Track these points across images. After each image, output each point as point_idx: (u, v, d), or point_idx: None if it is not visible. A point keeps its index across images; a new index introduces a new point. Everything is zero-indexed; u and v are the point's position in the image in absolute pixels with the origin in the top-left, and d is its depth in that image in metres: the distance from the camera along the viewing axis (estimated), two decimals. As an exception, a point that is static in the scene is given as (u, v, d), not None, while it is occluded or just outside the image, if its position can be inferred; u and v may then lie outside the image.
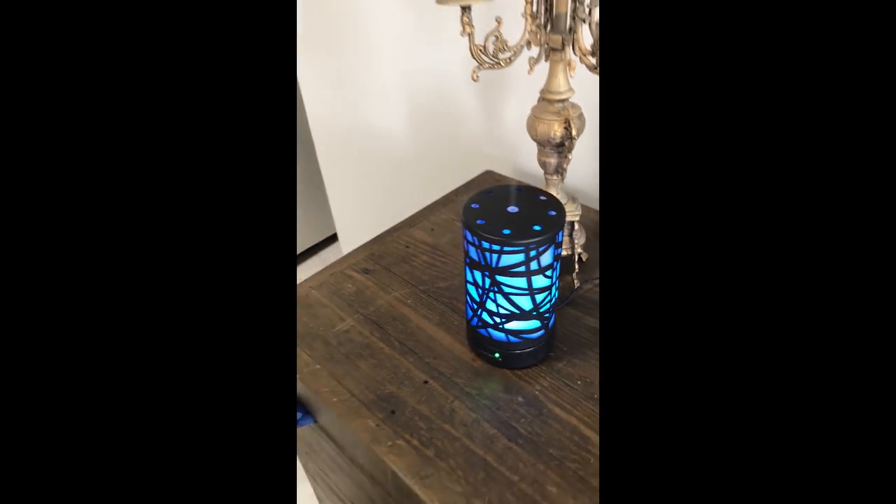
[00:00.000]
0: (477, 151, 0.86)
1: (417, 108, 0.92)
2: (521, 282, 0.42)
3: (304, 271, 1.74)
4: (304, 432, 0.58)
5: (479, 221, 0.41)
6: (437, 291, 0.57)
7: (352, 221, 1.37)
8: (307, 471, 0.68)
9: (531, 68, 0.47)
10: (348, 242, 1.43)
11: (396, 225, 0.69)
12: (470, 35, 0.44)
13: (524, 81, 0.73)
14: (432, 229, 0.67)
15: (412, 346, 0.51)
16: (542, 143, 0.50)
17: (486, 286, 0.43)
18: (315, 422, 0.52)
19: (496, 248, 0.40)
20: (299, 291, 0.58)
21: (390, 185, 1.12)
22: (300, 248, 1.74)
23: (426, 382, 0.47)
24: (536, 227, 0.40)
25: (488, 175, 0.79)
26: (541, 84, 0.49)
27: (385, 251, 0.64)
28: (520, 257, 0.40)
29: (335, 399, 0.46)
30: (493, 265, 0.41)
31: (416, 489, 0.39)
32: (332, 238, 1.83)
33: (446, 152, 0.93)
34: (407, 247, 0.64)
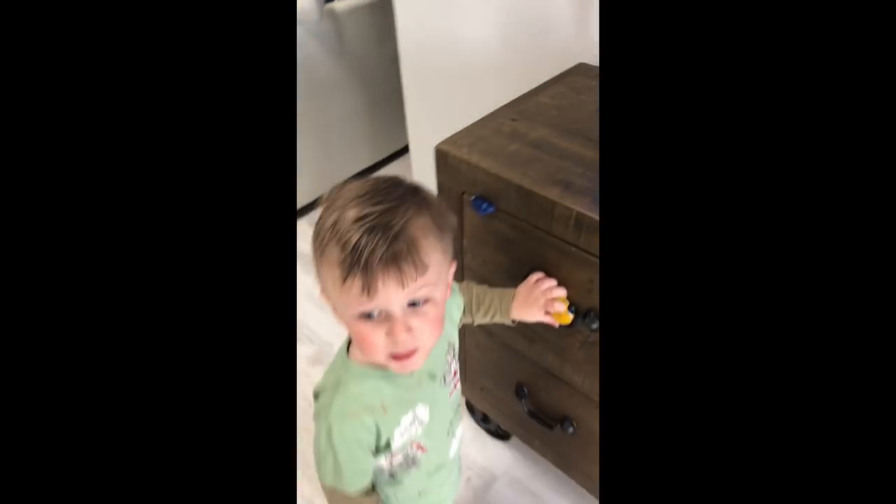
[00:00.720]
0: (565, 56, 1.06)
1: (508, 17, 1.11)
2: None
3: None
4: (477, 228, 0.80)
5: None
6: (573, 129, 0.79)
7: (427, 132, 1.56)
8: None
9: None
10: (420, 153, 1.63)
11: (521, 96, 0.90)
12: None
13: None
14: (552, 97, 0.89)
15: (567, 156, 0.73)
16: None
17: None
18: (496, 210, 0.74)
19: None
20: (473, 131, 0.80)
21: (473, 95, 1.31)
22: (368, 163, 1.95)
23: (583, 172, 0.70)
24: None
25: (583, 66, 1.00)
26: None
27: (522, 109, 0.85)
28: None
29: (526, 180, 0.69)
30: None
31: (597, 217, 0.62)
32: (394, 155, 2.03)
33: (534, 60, 1.12)
34: (538, 106, 0.86)
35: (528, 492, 1.14)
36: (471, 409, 1.24)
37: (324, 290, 0.53)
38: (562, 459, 0.98)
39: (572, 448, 0.92)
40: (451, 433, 0.69)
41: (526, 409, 0.93)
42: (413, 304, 0.51)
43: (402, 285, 0.48)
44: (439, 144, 0.78)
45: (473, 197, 0.75)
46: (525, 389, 0.93)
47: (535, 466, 1.17)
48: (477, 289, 0.75)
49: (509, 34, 1.13)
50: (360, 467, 0.60)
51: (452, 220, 0.56)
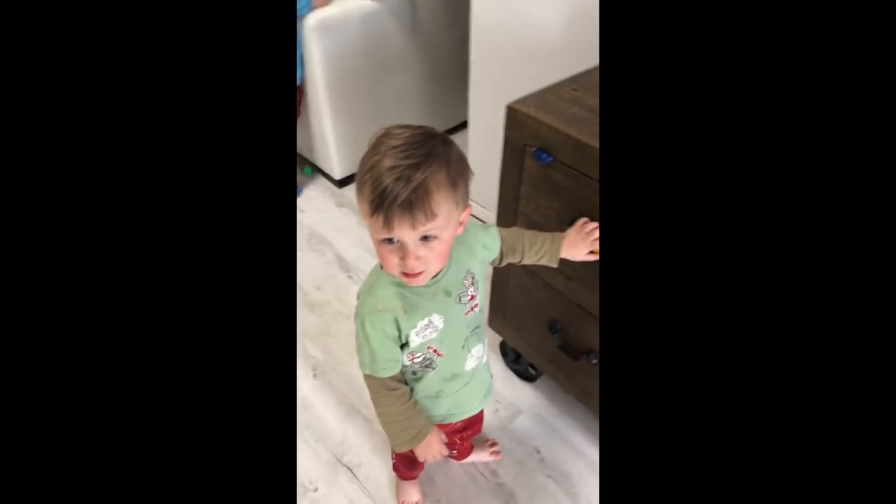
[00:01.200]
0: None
1: (575, 4, 1.25)
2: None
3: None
4: (534, 177, 0.95)
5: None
6: (624, 102, 0.93)
7: (488, 109, 1.71)
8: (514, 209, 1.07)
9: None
10: (478, 128, 1.78)
11: (581, 72, 1.04)
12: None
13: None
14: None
15: (617, 122, 0.87)
16: None
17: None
18: (554, 160, 0.89)
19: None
20: (540, 95, 0.95)
21: (535, 75, 1.45)
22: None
23: (630, 135, 0.84)
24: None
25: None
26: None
27: (582, 82, 1.00)
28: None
29: (582, 135, 0.83)
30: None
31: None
32: (449, 132, 2.19)
33: (588, 52, 1.26)
34: (595, 80, 1.00)
35: (547, 425, 1.29)
36: (504, 352, 1.40)
37: (361, 214, 0.67)
38: (583, 392, 1.13)
39: (594, 380, 1.07)
40: (465, 348, 0.82)
41: (557, 343, 1.09)
42: (424, 238, 0.65)
43: (413, 227, 0.62)
44: (511, 103, 0.94)
45: (535, 148, 0.91)
46: (558, 325, 1.08)
47: (556, 406, 1.32)
48: (528, 233, 0.89)
49: (574, 20, 1.27)
50: (389, 355, 0.75)
51: (468, 173, 0.68)
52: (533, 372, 1.35)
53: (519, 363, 1.36)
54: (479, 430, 1.13)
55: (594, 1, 1.21)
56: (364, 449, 1.25)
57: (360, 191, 0.65)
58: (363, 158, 0.65)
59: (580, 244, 0.86)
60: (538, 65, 1.40)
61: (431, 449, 0.84)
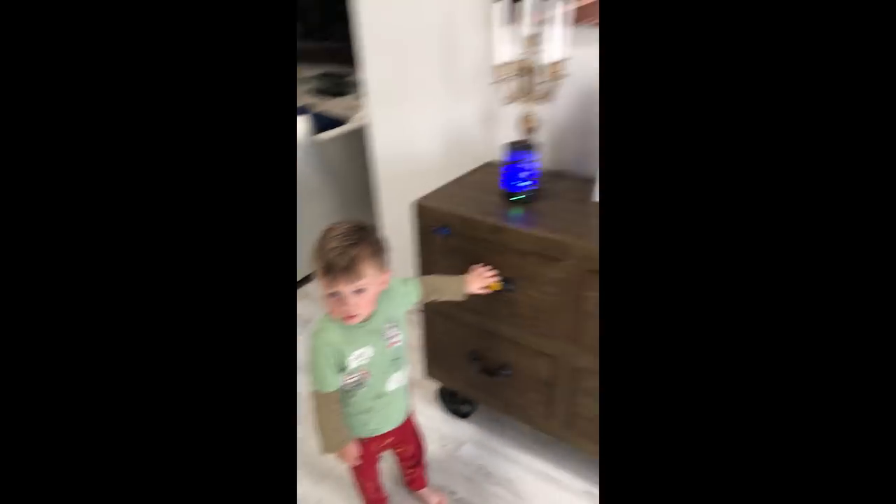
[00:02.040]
0: (478, 158, 1.73)
1: (445, 136, 1.79)
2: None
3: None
4: (438, 246, 1.37)
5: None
6: (488, 190, 1.41)
7: (391, 216, 2.17)
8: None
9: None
10: (386, 230, 2.21)
11: (457, 178, 1.53)
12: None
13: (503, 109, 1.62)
14: (473, 177, 1.52)
15: (485, 201, 1.34)
16: (526, 129, 1.39)
17: (515, 167, 1.29)
18: (450, 232, 1.32)
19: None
20: (435, 193, 1.40)
21: (422, 186, 1.95)
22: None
23: (497, 208, 1.30)
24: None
25: (489, 163, 1.66)
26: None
27: (460, 183, 1.47)
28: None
29: (466, 214, 1.28)
30: (518, 158, 1.28)
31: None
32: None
33: (458, 165, 1.79)
34: (467, 181, 1.48)
35: (487, 447, 1.60)
36: (442, 397, 1.72)
37: (317, 276, 1.03)
38: (504, 403, 1.48)
39: (509, 389, 1.43)
40: (387, 373, 1.13)
41: (478, 368, 1.45)
42: (357, 291, 1.02)
43: (348, 284, 1.00)
44: (416, 200, 1.38)
45: (435, 228, 1.34)
46: (476, 353, 1.45)
47: (491, 432, 1.64)
48: (443, 277, 1.29)
49: (445, 147, 1.80)
50: (330, 378, 1.08)
51: (385, 249, 1.03)
52: (467, 408, 1.68)
53: (454, 402, 1.68)
54: (423, 453, 1.39)
55: (458, 134, 1.76)
56: None
57: (315, 261, 1.01)
58: (317, 242, 1.02)
59: (476, 281, 1.27)
60: (424, 179, 1.90)
61: (350, 454, 1.15)
